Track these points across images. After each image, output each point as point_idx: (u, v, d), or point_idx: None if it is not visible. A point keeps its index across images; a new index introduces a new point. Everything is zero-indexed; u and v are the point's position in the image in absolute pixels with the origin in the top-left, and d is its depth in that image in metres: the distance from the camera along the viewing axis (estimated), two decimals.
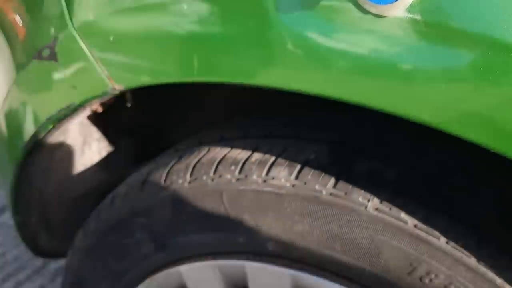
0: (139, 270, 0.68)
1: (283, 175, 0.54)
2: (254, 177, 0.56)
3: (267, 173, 0.55)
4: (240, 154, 0.59)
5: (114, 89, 0.58)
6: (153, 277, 0.67)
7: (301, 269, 0.57)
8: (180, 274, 0.66)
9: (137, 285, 0.69)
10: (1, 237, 1.80)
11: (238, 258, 0.61)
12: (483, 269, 0.47)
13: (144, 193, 0.64)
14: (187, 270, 0.65)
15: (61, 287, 0.79)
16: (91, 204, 0.71)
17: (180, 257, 0.64)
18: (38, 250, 0.85)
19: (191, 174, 0.60)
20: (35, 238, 0.82)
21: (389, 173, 0.53)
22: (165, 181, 0.62)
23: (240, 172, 0.57)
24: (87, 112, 0.70)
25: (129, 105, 0.78)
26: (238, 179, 0.56)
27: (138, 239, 0.66)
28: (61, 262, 1.70)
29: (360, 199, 0.51)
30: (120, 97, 0.68)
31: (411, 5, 0.38)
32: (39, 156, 0.73)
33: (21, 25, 0.67)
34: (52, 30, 0.61)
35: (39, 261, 1.71)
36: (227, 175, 0.57)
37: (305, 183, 0.53)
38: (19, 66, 0.67)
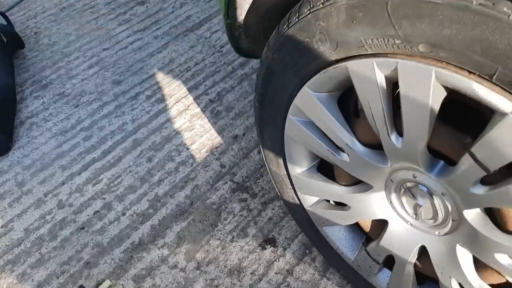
0: (315, 64, 0.90)
1: None
2: None
3: None
4: None
5: None
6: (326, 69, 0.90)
7: (444, 67, 0.73)
8: (345, 68, 0.87)
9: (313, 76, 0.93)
10: (200, 46, 2.22)
11: (394, 57, 0.79)
12: None
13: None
14: (352, 65, 0.85)
15: (256, 79, 1.06)
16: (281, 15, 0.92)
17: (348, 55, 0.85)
18: (239, 49, 1.13)
19: None
20: (238, 40, 1.08)
21: None
22: None
23: None
24: None
25: None
26: None
27: (318, 40, 0.87)
28: (246, 69, 2.09)
29: (505, 9, 0.63)
30: None
31: None
32: None
33: None
34: None
35: (229, 67, 2.11)
36: None
37: None
38: None
